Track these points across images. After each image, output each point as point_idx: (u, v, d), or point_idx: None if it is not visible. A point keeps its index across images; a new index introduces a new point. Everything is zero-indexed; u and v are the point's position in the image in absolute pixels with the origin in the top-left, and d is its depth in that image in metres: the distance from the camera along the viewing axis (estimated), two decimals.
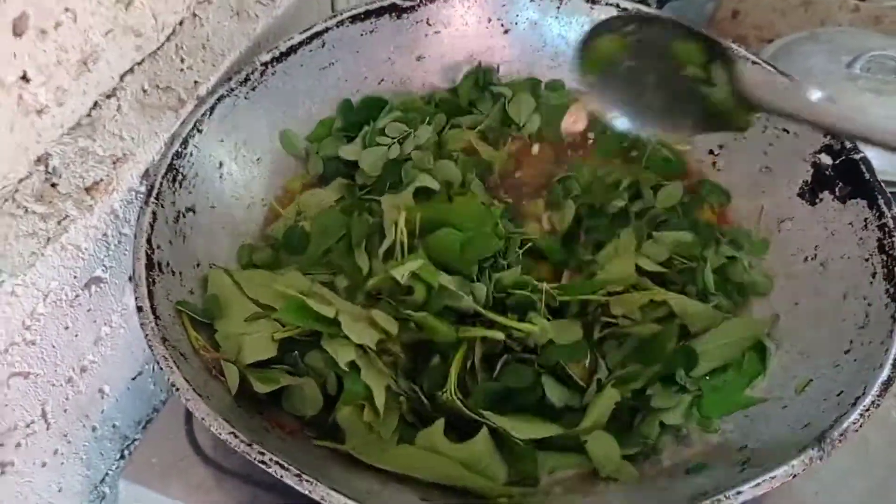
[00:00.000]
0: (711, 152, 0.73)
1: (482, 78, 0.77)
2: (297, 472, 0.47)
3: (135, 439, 0.71)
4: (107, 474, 0.69)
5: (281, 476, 0.47)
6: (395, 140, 0.71)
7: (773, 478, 0.48)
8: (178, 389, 0.51)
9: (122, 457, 0.70)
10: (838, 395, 0.53)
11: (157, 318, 0.54)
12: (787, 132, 0.68)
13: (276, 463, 0.48)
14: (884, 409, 0.67)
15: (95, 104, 0.55)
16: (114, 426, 0.68)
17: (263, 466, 0.48)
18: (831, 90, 0.72)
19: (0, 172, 0.49)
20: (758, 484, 0.47)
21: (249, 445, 0.48)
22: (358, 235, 0.63)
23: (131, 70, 0.57)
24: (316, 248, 0.64)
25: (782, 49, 0.93)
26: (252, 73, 0.68)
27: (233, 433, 0.49)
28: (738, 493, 0.47)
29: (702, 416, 0.59)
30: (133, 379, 0.69)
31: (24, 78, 0.49)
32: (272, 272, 0.62)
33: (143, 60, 0.58)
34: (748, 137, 0.71)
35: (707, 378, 0.60)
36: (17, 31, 0.47)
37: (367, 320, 0.57)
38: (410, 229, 0.62)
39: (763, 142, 0.70)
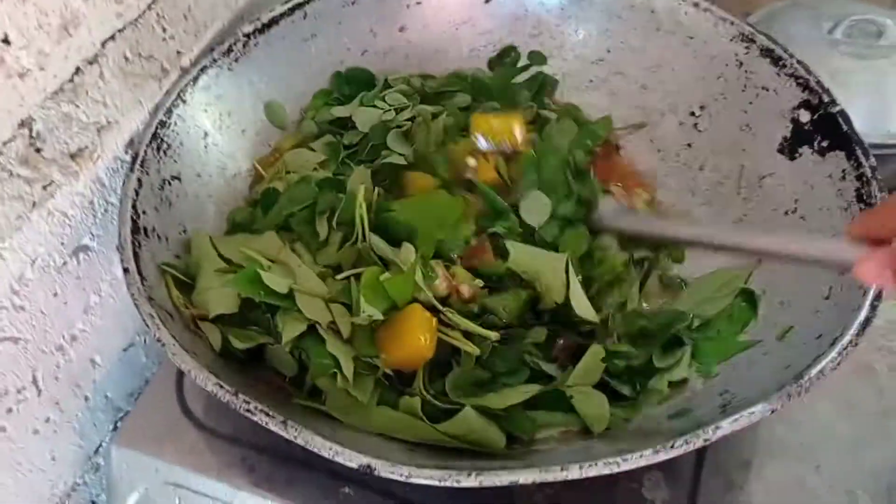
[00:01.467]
0: (692, 114, 0.74)
1: (539, 86, 0.77)
2: (282, 419, 0.48)
3: (127, 411, 0.72)
4: (100, 445, 0.70)
5: (266, 423, 0.48)
6: (392, 108, 0.72)
7: (751, 413, 0.48)
8: (164, 345, 0.51)
9: (116, 428, 0.71)
10: (818, 338, 0.54)
11: (143, 278, 0.55)
12: (767, 90, 0.69)
13: (261, 411, 0.48)
14: (868, 360, 0.68)
15: (77, 70, 0.56)
16: (106, 397, 0.69)
17: (248, 415, 0.48)
18: (813, 56, 0.74)
19: None
20: (736, 419, 0.48)
21: (235, 395, 0.49)
22: (323, 205, 0.64)
23: (112, 37, 0.58)
24: (279, 213, 0.65)
25: (764, 17, 0.94)
26: (235, 43, 0.69)
27: (218, 384, 0.49)
28: (717, 427, 0.48)
29: (700, 364, 0.60)
30: (124, 350, 0.70)
31: (5, 41, 0.49)
32: (251, 235, 0.63)
33: (124, 28, 0.59)
34: (728, 97, 0.71)
35: (700, 329, 0.62)
36: None
37: (325, 297, 0.58)
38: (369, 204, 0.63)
39: (743, 100, 0.71)
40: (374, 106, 0.73)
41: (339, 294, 0.58)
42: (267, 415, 0.48)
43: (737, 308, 0.62)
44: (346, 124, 0.73)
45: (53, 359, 0.62)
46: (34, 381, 0.60)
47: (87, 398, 0.67)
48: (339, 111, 0.73)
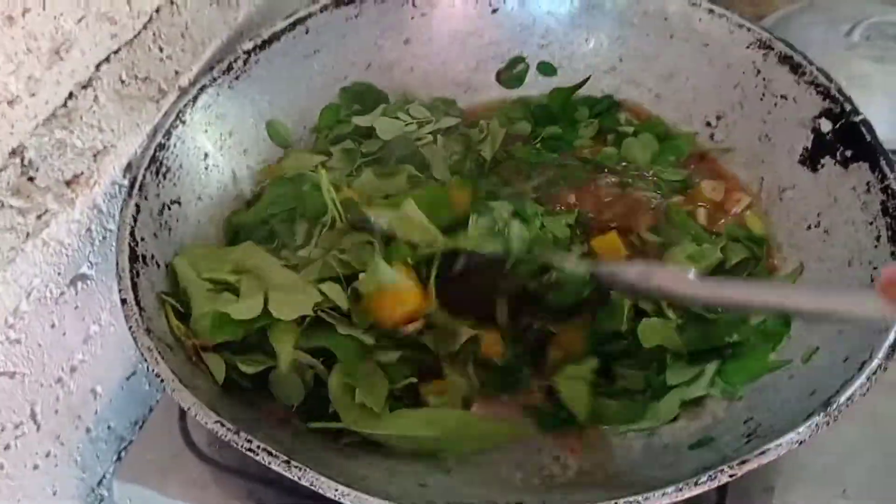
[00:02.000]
0: (709, 124, 0.71)
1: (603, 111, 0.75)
2: (286, 458, 0.46)
3: (131, 440, 0.70)
4: (104, 476, 0.68)
5: (269, 463, 0.46)
6: (415, 121, 0.71)
7: (778, 445, 0.46)
8: (162, 380, 0.50)
9: (119, 458, 0.69)
10: (844, 360, 0.52)
11: (141, 309, 0.53)
12: (786, 98, 0.67)
13: (264, 450, 0.46)
14: (893, 382, 0.66)
15: (71, 94, 0.54)
16: (109, 427, 0.67)
17: (251, 454, 0.46)
18: (830, 60, 0.71)
19: None
20: (763, 452, 0.46)
21: (237, 434, 0.47)
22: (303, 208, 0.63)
23: (107, 59, 0.56)
24: (257, 214, 0.64)
25: (780, 21, 0.92)
26: (235, 61, 0.67)
27: (219, 422, 0.47)
28: (743, 462, 0.45)
29: (726, 383, 0.57)
30: (127, 379, 0.68)
31: None
32: (229, 248, 0.62)
33: (119, 49, 0.57)
34: (746, 106, 0.69)
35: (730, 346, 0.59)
36: None
37: (303, 290, 0.56)
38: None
39: (762, 110, 0.68)
40: (397, 118, 0.72)
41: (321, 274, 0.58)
42: (270, 454, 0.46)
43: (771, 324, 0.59)
44: (364, 135, 0.72)
45: (52, 391, 0.60)
46: (32, 416, 0.59)
47: (88, 430, 0.65)
48: (360, 121, 0.72)
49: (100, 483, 0.68)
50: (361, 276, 0.57)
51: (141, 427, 0.66)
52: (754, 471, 0.60)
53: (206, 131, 0.66)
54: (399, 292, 0.57)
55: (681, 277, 0.52)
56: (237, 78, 0.67)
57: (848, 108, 0.62)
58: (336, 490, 0.45)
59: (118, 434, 0.69)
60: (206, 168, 0.66)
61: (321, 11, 0.70)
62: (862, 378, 0.49)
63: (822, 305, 0.46)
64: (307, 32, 0.70)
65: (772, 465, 0.61)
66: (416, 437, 0.54)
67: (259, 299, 0.55)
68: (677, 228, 0.66)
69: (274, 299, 0.55)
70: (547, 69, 0.77)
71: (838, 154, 0.62)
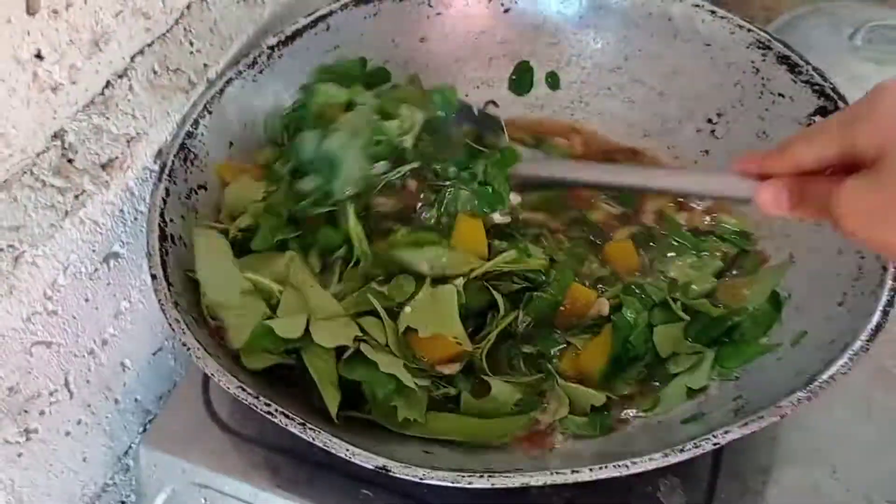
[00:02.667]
0: (710, 121, 0.74)
1: None
2: (301, 421, 0.50)
3: (156, 414, 0.74)
4: (130, 447, 0.72)
5: (286, 425, 0.50)
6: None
7: (760, 418, 0.49)
8: (189, 349, 0.53)
9: (145, 430, 0.73)
10: (830, 343, 0.55)
11: (170, 285, 0.57)
12: (783, 96, 0.69)
13: (282, 413, 0.50)
14: (886, 365, 0.68)
15: (108, 83, 0.58)
16: (136, 400, 0.71)
17: (269, 417, 0.50)
18: (834, 62, 0.74)
19: (18, 146, 0.52)
20: (746, 423, 0.49)
21: (256, 398, 0.51)
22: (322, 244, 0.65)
23: (141, 52, 0.60)
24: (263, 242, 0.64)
25: (786, 24, 0.95)
26: (259, 56, 0.70)
27: (241, 387, 0.51)
28: (727, 431, 0.48)
29: (722, 367, 0.61)
30: (153, 354, 0.72)
31: (38, 56, 0.51)
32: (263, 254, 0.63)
33: (152, 42, 0.61)
34: (745, 104, 0.72)
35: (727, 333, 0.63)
36: (31, 10, 0.50)
37: (345, 322, 0.59)
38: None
39: (760, 107, 0.71)
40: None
41: (359, 307, 0.60)
42: (287, 417, 0.50)
43: (762, 310, 0.63)
44: None
45: (85, 362, 0.64)
46: (66, 384, 0.63)
47: (117, 401, 0.69)
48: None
49: (126, 453, 0.72)
50: (407, 310, 0.59)
51: (166, 401, 0.70)
52: (748, 450, 0.64)
53: (231, 121, 0.69)
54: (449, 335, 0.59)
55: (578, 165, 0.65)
56: (261, 71, 0.71)
57: (842, 105, 0.65)
58: (347, 451, 0.49)
59: (144, 407, 0.73)
60: (231, 157, 0.69)
61: (342, 9, 0.74)
62: (844, 359, 0.52)
63: (704, 187, 0.58)
64: (328, 29, 0.74)
65: (765, 446, 0.65)
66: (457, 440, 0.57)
67: (302, 320, 0.57)
68: (671, 237, 0.70)
69: (316, 325, 0.57)
70: (553, 82, 0.80)
71: None
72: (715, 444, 0.48)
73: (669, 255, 0.68)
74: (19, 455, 0.60)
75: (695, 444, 0.48)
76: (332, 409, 0.55)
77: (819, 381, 0.50)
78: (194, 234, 0.62)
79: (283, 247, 0.63)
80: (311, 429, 0.49)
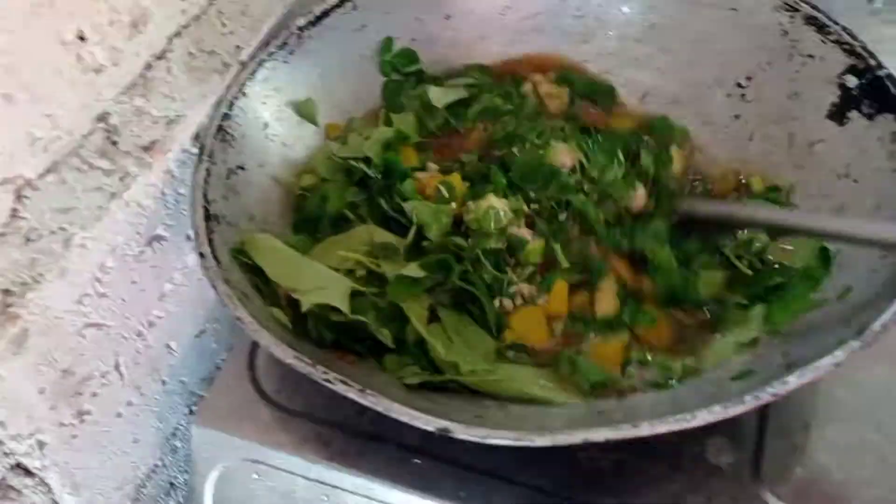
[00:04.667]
0: (739, 85, 0.74)
1: None
2: (360, 387, 0.50)
3: (201, 395, 0.74)
4: (177, 428, 0.73)
5: (345, 392, 0.50)
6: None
7: (817, 367, 0.49)
8: (243, 322, 0.54)
9: (191, 412, 0.74)
10: (876, 296, 0.55)
11: (218, 262, 0.58)
12: (812, 57, 0.70)
13: (340, 380, 0.50)
14: None
15: (148, 65, 0.59)
16: (181, 381, 0.72)
17: (328, 385, 0.51)
18: (854, 26, 0.74)
19: (65, 127, 0.52)
20: (802, 373, 0.49)
21: (313, 366, 0.51)
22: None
23: (178, 34, 0.61)
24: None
25: None
26: (289, 37, 0.71)
27: (297, 357, 0.52)
28: (785, 382, 0.49)
29: (772, 322, 0.61)
30: (196, 337, 0.73)
31: (81, 37, 0.52)
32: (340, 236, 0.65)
33: (188, 24, 0.62)
34: (774, 66, 0.72)
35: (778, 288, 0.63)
36: None
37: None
38: None
39: (790, 69, 0.71)
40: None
41: None
42: (346, 384, 0.50)
43: (812, 266, 0.63)
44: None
45: (134, 344, 0.65)
46: (116, 366, 0.63)
47: (164, 382, 0.70)
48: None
49: (173, 434, 0.73)
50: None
51: (211, 382, 0.70)
52: (793, 408, 0.64)
53: (265, 103, 0.70)
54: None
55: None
56: (292, 53, 0.71)
57: (872, 63, 0.65)
58: (408, 414, 0.49)
59: (189, 389, 0.73)
60: (266, 137, 0.70)
61: None
62: (894, 307, 0.52)
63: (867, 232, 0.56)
64: (355, 8, 0.74)
65: (809, 403, 0.65)
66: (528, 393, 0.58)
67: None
68: None
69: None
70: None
71: (864, 107, 0.65)
72: (773, 395, 0.48)
73: None
74: (73, 437, 0.61)
75: (755, 395, 0.48)
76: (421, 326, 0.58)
77: (871, 329, 0.51)
78: (246, 244, 0.63)
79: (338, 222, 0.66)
80: (370, 394, 0.50)
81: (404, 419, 0.49)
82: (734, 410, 0.48)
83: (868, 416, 0.64)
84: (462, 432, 0.48)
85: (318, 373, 0.51)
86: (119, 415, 0.65)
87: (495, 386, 0.58)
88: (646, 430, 0.48)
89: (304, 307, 0.58)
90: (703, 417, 0.48)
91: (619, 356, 0.62)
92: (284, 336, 0.56)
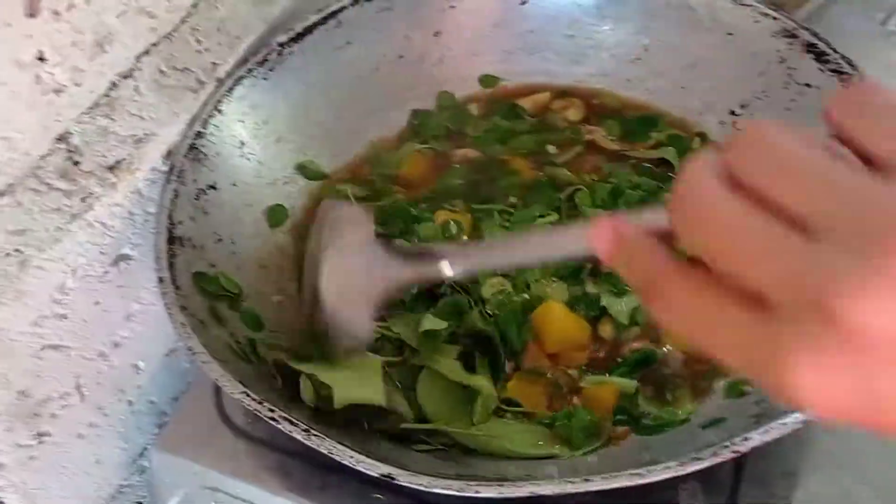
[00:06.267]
0: (733, 112, 0.72)
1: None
2: (305, 427, 0.49)
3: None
4: (145, 448, 0.72)
5: (290, 432, 0.49)
6: None
7: (783, 424, 0.47)
8: (194, 353, 0.53)
9: (161, 429, 0.73)
10: None
11: (177, 288, 0.57)
12: (810, 86, 0.67)
13: (286, 419, 0.49)
14: None
15: (113, 84, 0.58)
16: (150, 402, 0.71)
17: (273, 423, 0.49)
18: (866, 49, 0.71)
19: (22, 149, 0.51)
20: (767, 431, 0.47)
21: (260, 403, 0.50)
22: None
23: (147, 52, 0.60)
24: None
25: (815, 11, 0.91)
26: (269, 54, 0.70)
27: (245, 392, 0.50)
28: (746, 439, 0.46)
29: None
30: (166, 355, 0.72)
31: (41, 58, 0.51)
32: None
33: (158, 42, 0.60)
34: (770, 94, 0.70)
35: None
36: (31, 12, 0.49)
37: None
38: None
39: (786, 98, 0.69)
40: None
41: None
42: (291, 423, 0.49)
43: None
44: None
45: (96, 365, 0.63)
46: (77, 387, 0.62)
47: (130, 402, 0.69)
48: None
49: (141, 454, 0.71)
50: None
51: (177, 403, 0.69)
52: (773, 455, 0.62)
53: (242, 121, 0.69)
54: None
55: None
56: (272, 70, 0.70)
57: None
58: (351, 457, 0.48)
59: (159, 408, 0.72)
60: (242, 155, 0.69)
61: (353, 5, 0.73)
62: None
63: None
64: (339, 25, 0.73)
65: (791, 450, 0.63)
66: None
67: None
68: None
69: None
70: None
71: None
72: (734, 453, 0.46)
73: None
74: (31, 458, 0.60)
75: (713, 452, 0.46)
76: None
77: None
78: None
79: None
80: (315, 435, 0.48)
81: (347, 462, 0.48)
82: (691, 467, 0.46)
83: (853, 464, 0.61)
84: (405, 479, 0.47)
85: (264, 410, 0.50)
86: (80, 436, 0.64)
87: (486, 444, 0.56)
88: (598, 483, 0.46)
89: (338, 404, 0.56)
90: (657, 474, 0.46)
91: (612, 402, 0.60)
92: (238, 368, 0.54)
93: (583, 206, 0.67)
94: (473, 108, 0.77)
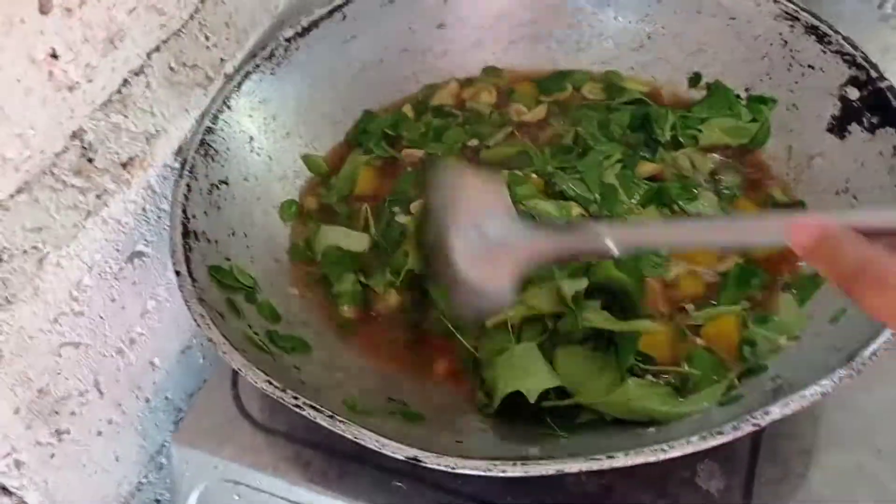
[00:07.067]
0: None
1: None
2: (330, 413, 0.49)
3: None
4: (163, 445, 0.72)
5: (314, 418, 0.49)
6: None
7: (802, 397, 0.47)
8: (215, 344, 0.53)
9: (179, 423, 0.73)
10: (870, 319, 0.53)
11: (194, 280, 0.57)
12: (813, 68, 0.68)
13: (309, 406, 0.49)
14: None
15: (125, 81, 0.58)
16: (166, 398, 0.71)
17: (297, 410, 0.50)
18: (864, 31, 0.72)
19: (37, 146, 0.52)
20: (787, 403, 0.47)
21: (283, 391, 0.50)
22: None
23: (157, 48, 0.60)
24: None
25: None
26: (276, 49, 0.70)
27: (268, 381, 0.51)
28: (767, 412, 0.47)
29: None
30: (182, 352, 0.72)
31: (54, 55, 0.51)
32: None
33: (168, 39, 0.61)
34: (773, 77, 0.70)
35: None
36: (43, 9, 0.49)
37: None
38: None
39: (789, 80, 0.69)
40: None
41: None
42: (315, 409, 0.49)
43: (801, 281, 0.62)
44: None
45: (114, 362, 0.64)
46: (96, 384, 0.62)
47: (147, 399, 0.69)
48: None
49: (159, 451, 0.72)
50: None
51: (195, 397, 0.69)
52: (789, 432, 0.62)
53: (251, 116, 0.69)
54: None
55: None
56: (279, 64, 0.70)
57: (874, 74, 0.63)
58: (377, 441, 0.48)
59: (175, 405, 0.72)
60: (252, 150, 0.69)
61: None
62: (885, 335, 0.50)
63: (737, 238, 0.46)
64: (344, 19, 0.73)
65: (806, 428, 0.63)
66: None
67: None
68: None
69: None
70: None
71: (865, 120, 0.63)
72: (755, 426, 0.47)
73: None
74: (52, 456, 0.60)
75: (734, 426, 0.46)
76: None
77: (861, 358, 0.49)
78: None
79: None
80: (340, 420, 0.49)
81: (373, 446, 0.48)
82: (712, 442, 0.46)
83: (867, 440, 0.62)
84: (432, 461, 0.47)
85: (288, 397, 0.50)
86: (99, 433, 0.64)
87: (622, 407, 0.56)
88: (620, 460, 0.46)
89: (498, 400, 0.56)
90: (679, 449, 0.46)
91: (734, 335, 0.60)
92: (258, 358, 0.55)
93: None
94: (408, 111, 0.78)
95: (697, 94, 0.75)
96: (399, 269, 0.65)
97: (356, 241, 0.68)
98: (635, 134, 0.72)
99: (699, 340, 0.60)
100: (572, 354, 0.58)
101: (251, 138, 0.69)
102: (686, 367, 0.58)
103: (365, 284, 0.66)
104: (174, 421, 0.73)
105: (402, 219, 0.68)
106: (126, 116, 0.59)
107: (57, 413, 0.60)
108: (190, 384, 0.74)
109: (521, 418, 0.56)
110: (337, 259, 0.67)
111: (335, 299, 0.65)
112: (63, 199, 0.55)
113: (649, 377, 0.58)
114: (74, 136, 0.55)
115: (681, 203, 0.67)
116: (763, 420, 0.47)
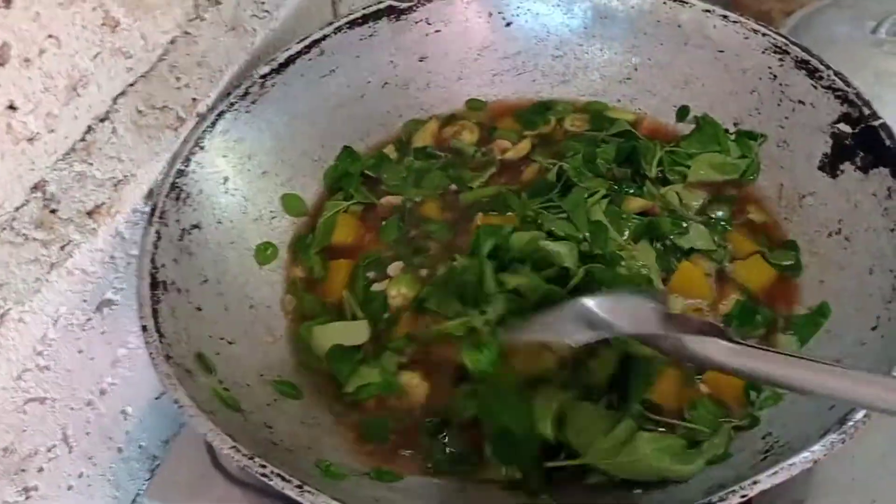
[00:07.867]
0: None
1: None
2: (299, 483, 0.47)
3: (164, 459, 0.72)
4: (138, 494, 0.70)
5: (282, 488, 0.47)
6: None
7: (791, 465, 0.45)
8: (181, 406, 0.51)
9: (152, 476, 0.71)
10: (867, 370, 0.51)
11: (161, 336, 0.55)
12: (804, 103, 0.66)
13: (277, 475, 0.47)
14: None
15: (89, 128, 0.56)
16: (140, 447, 0.69)
17: (265, 479, 0.48)
18: (856, 57, 0.70)
19: None
20: (775, 473, 0.45)
21: (251, 459, 0.48)
22: None
23: (123, 92, 0.58)
24: None
25: (804, 19, 0.90)
26: (251, 86, 0.68)
27: (235, 447, 0.49)
28: (755, 482, 0.45)
29: None
30: (156, 399, 0.70)
31: (11, 107, 0.49)
32: None
33: (135, 82, 0.59)
34: (763, 112, 0.69)
35: None
36: (0, 61, 0.48)
37: None
38: None
39: (779, 115, 0.68)
40: None
41: None
42: (283, 479, 0.47)
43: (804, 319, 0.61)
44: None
45: (83, 414, 0.62)
46: (64, 439, 0.60)
47: (120, 449, 0.67)
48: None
49: (133, 501, 0.70)
50: None
51: (169, 450, 0.68)
52: (781, 484, 0.60)
53: (226, 156, 0.67)
54: None
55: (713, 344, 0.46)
56: (254, 102, 0.68)
57: (867, 112, 0.61)
58: None
59: (150, 453, 0.70)
60: (226, 191, 0.67)
61: (335, 33, 0.71)
62: None
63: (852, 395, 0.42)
64: (322, 54, 0.71)
65: (799, 477, 0.61)
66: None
67: None
68: None
69: None
70: None
71: (858, 159, 0.61)
72: (743, 497, 0.45)
73: None
74: None
75: (720, 497, 0.44)
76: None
77: (854, 421, 0.47)
78: None
79: None
80: (308, 491, 0.47)
81: None
82: None
83: (862, 491, 0.60)
84: None
85: (255, 466, 0.48)
86: (70, 487, 0.62)
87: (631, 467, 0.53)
88: None
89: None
90: None
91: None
92: (228, 419, 0.52)
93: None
94: (390, 151, 0.76)
95: (685, 127, 0.73)
96: (401, 349, 0.62)
97: (355, 333, 0.64)
98: (622, 168, 0.70)
99: (703, 387, 0.58)
100: (583, 411, 0.56)
101: (226, 179, 0.67)
102: (689, 416, 0.56)
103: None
104: (149, 469, 0.71)
105: (378, 286, 0.65)
106: (91, 164, 0.57)
107: (24, 470, 0.58)
108: (164, 430, 0.71)
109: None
110: (342, 356, 0.63)
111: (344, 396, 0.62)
112: (24, 252, 0.53)
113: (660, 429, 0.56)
114: (36, 188, 0.53)
115: (672, 238, 0.65)
116: (751, 490, 0.45)
